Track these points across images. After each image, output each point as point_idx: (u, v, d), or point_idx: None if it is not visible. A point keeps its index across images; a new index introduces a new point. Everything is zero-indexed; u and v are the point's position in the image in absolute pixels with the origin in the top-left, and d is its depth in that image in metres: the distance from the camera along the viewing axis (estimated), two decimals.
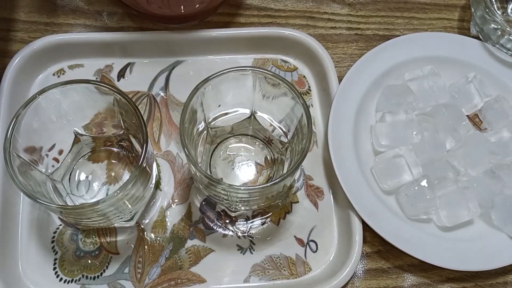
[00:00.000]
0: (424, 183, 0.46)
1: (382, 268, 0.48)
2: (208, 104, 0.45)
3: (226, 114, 0.49)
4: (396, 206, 0.48)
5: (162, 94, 0.53)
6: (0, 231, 0.45)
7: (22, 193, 0.47)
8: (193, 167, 0.40)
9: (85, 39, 0.53)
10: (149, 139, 0.42)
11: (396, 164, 0.47)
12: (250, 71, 0.43)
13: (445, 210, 0.46)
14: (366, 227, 0.47)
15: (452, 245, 0.47)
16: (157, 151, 0.51)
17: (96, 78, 0.53)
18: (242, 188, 0.41)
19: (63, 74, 0.53)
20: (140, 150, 0.46)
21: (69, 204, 0.46)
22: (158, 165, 0.50)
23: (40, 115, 0.42)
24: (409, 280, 0.48)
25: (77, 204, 0.46)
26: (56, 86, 0.40)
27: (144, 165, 0.40)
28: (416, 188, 0.46)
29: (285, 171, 0.47)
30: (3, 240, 0.45)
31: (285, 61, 0.55)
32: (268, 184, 0.40)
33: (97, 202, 0.39)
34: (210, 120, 0.48)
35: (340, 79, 0.52)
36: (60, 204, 0.43)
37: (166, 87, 0.53)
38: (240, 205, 0.46)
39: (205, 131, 0.48)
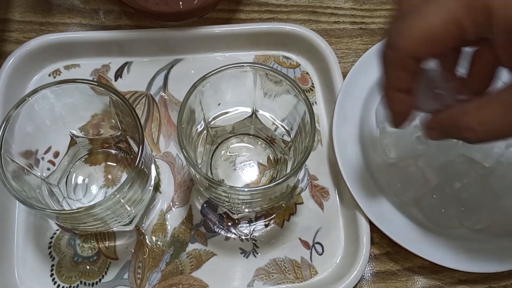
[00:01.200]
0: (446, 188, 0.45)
1: (391, 270, 0.46)
2: (208, 103, 0.44)
3: (227, 113, 0.47)
4: (404, 206, 0.46)
5: (161, 93, 0.51)
6: None
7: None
8: (192, 169, 0.38)
9: (81, 38, 0.51)
10: (146, 140, 0.40)
11: (412, 174, 0.46)
12: (250, 67, 0.41)
13: (474, 214, 0.45)
14: (373, 228, 0.45)
15: (464, 246, 0.45)
16: (156, 152, 0.49)
17: (93, 78, 0.52)
18: (244, 189, 0.39)
19: (59, 74, 0.52)
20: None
21: (66, 208, 0.45)
22: (157, 167, 0.49)
23: (33, 117, 0.41)
24: (419, 283, 0.46)
25: (74, 208, 0.45)
26: (49, 86, 0.39)
27: (141, 166, 0.39)
28: (437, 195, 0.45)
29: (288, 171, 0.45)
30: None
31: (287, 58, 0.54)
32: (271, 184, 0.38)
33: (93, 206, 0.37)
34: (210, 119, 0.46)
35: (344, 75, 0.50)
36: (56, 209, 0.42)
37: (165, 86, 0.52)
38: (242, 207, 0.45)
39: (205, 131, 0.47)
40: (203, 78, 0.40)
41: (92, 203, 0.41)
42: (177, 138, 0.38)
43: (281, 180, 0.38)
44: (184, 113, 0.39)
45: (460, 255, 0.44)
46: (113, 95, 0.40)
